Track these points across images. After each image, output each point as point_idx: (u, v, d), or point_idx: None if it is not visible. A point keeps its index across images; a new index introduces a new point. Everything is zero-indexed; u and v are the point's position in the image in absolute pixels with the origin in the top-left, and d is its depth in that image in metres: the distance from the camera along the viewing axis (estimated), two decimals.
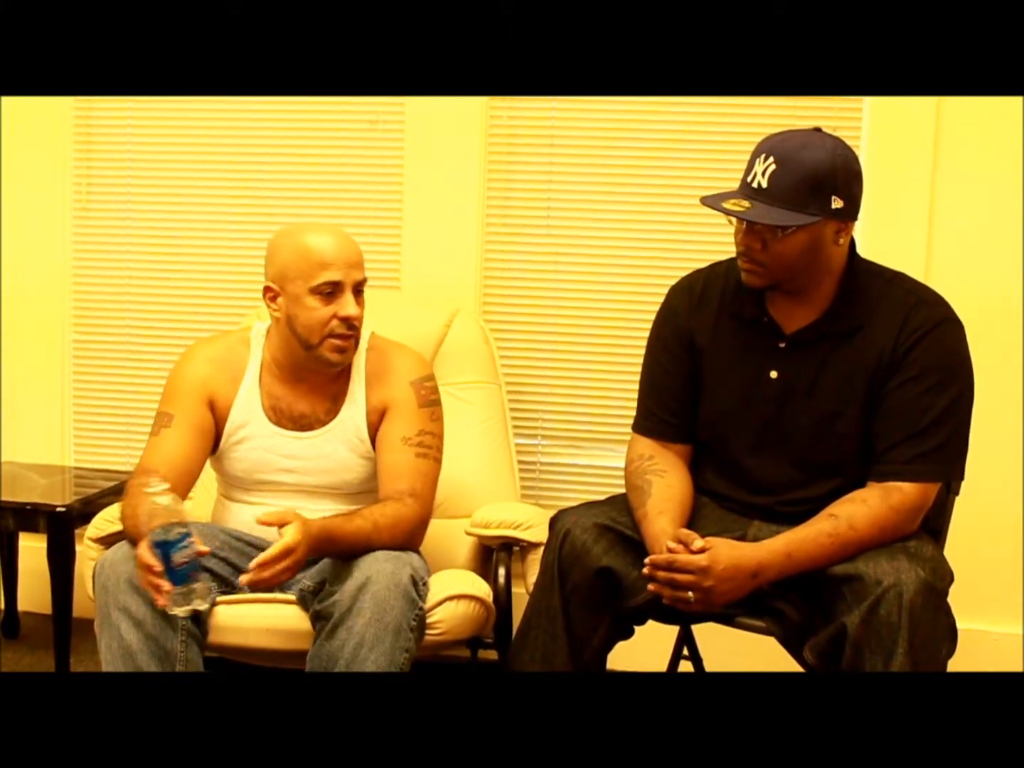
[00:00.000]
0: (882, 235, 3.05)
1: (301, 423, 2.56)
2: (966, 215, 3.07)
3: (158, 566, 2.17)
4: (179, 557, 2.18)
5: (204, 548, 2.23)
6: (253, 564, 2.22)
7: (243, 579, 2.24)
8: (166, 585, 2.17)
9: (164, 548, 2.17)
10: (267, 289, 2.51)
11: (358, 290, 2.49)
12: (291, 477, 2.55)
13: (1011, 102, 2.96)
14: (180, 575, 2.19)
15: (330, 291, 2.45)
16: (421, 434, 2.53)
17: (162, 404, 2.56)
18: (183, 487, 2.47)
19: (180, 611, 2.21)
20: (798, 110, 3.06)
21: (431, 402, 2.58)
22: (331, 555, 2.37)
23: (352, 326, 2.47)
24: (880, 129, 3.08)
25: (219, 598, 2.42)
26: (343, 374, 2.57)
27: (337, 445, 2.55)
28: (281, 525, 2.27)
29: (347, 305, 2.46)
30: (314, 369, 2.53)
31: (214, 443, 2.57)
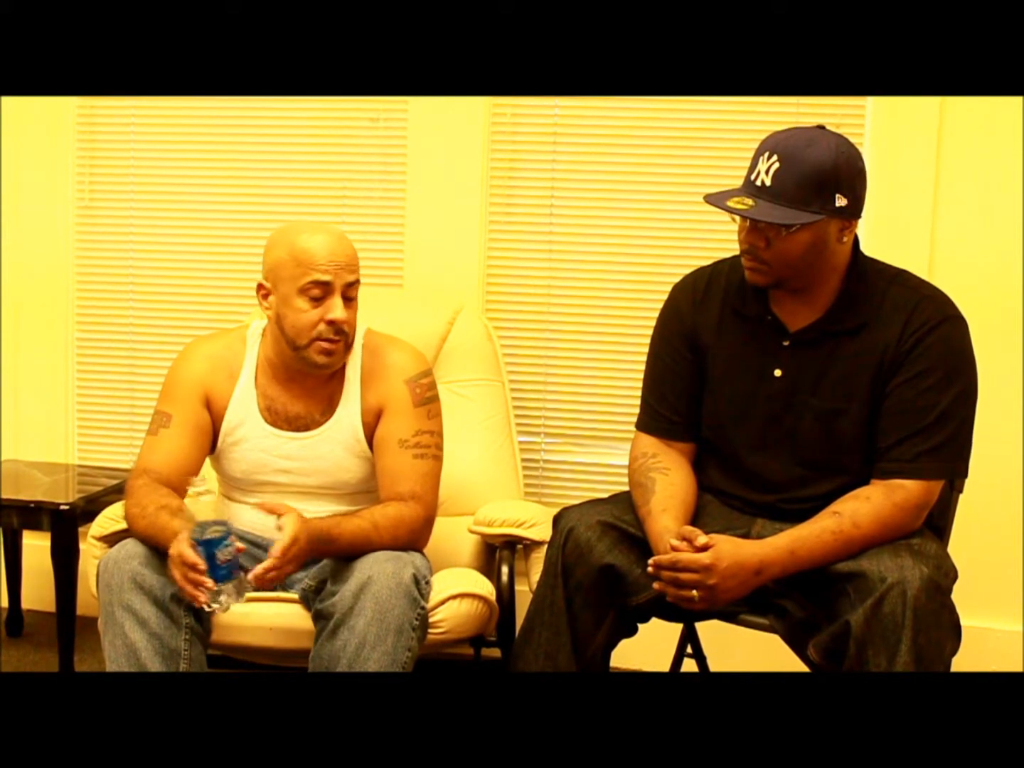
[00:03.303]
0: (886, 233, 3.05)
1: (297, 424, 2.54)
2: (969, 213, 3.07)
3: (202, 564, 2.19)
4: (223, 555, 2.21)
5: (241, 545, 2.26)
6: (264, 565, 2.23)
7: (253, 574, 2.23)
8: (209, 582, 2.20)
9: (208, 547, 2.20)
10: (260, 286, 2.49)
11: (348, 293, 2.44)
12: (288, 478, 2.54)
13: (1013, 102, 2.96)
14: (222, 573, 2.21)
15: (319, 294, 2.41)
16: (418, 434, 2.51)
17: (160, 403, 2.55)
18: (181, 487, 2.46)
19: (219, 608, 2.23)
20: (802, 107, 3.06)
21: (427, 399, 2.55)
22: (331, 555, 2.37)
23: (340, 330, 2.43)
24: (883, 128, 3.08)
25: None
26: (338, 374, 2.54)
27: (333, 446, 2.53)
28: (279, 515, 2.28)
29: (335, 308, 2.41)
30: (304, 370, 2.51)
31: (212, 442, 2.56)
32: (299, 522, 2.28)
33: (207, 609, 2.24)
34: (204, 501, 2.24)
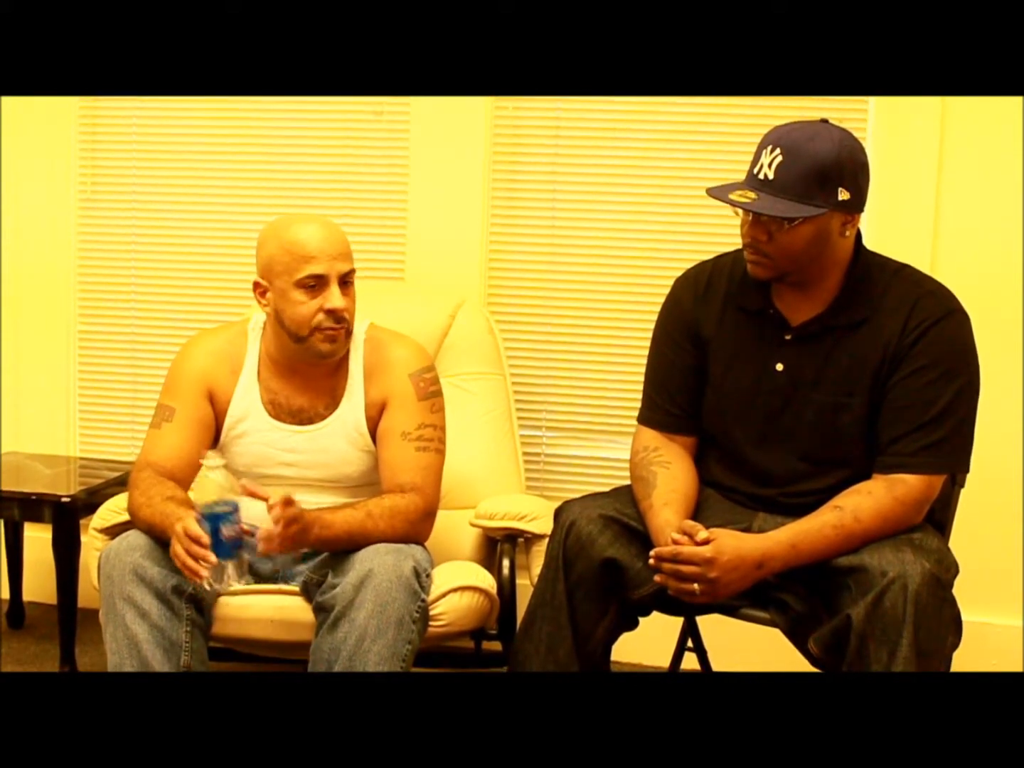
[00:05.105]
0: (889, 227, 3.05)
1: (300, 417, 2.54)
2: (971, 208, 3.07)
3: (206, 538, 2.19)
4: (228, 531, 2.20)
5: (247, 527, 2.24)
6: (267, 529, 2.22)
7: (261, 534, 2.21)
8: (212, 557, 2.19)
9: (213, 521, 2.19)
10: (256, 284, 2.50)
11: (345, 281, 2.45)
12: (292, 471, 2.54)
13: (1014, 101, 2.96)
14: (226, 549, 2.21)
15: (314, 284, 2.41)
16: (421, 427, 2.51)
17: (163, 396, 2.56)
18: (184, 480, 2.48)
19: (220, 587, 2.23)
20: (804, 104, 3.05)
21: (431, 394, 2.55)
22: (329, 543, 2.37)
23: (340, 318, 2.44)
24: (886, 125, 3.08)
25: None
26: (341, 368, 2.55)
27: (336, 439, 2.54)
28: (267, 498, 2.27)
29: (333, 298, 2.42)
30: (308, 362, 2.51)
31: (215, 436, 2.57)
32: (288, 494, 2.27)
33: (207, 588, 2.24)
34: (213, 478, 2.22)
